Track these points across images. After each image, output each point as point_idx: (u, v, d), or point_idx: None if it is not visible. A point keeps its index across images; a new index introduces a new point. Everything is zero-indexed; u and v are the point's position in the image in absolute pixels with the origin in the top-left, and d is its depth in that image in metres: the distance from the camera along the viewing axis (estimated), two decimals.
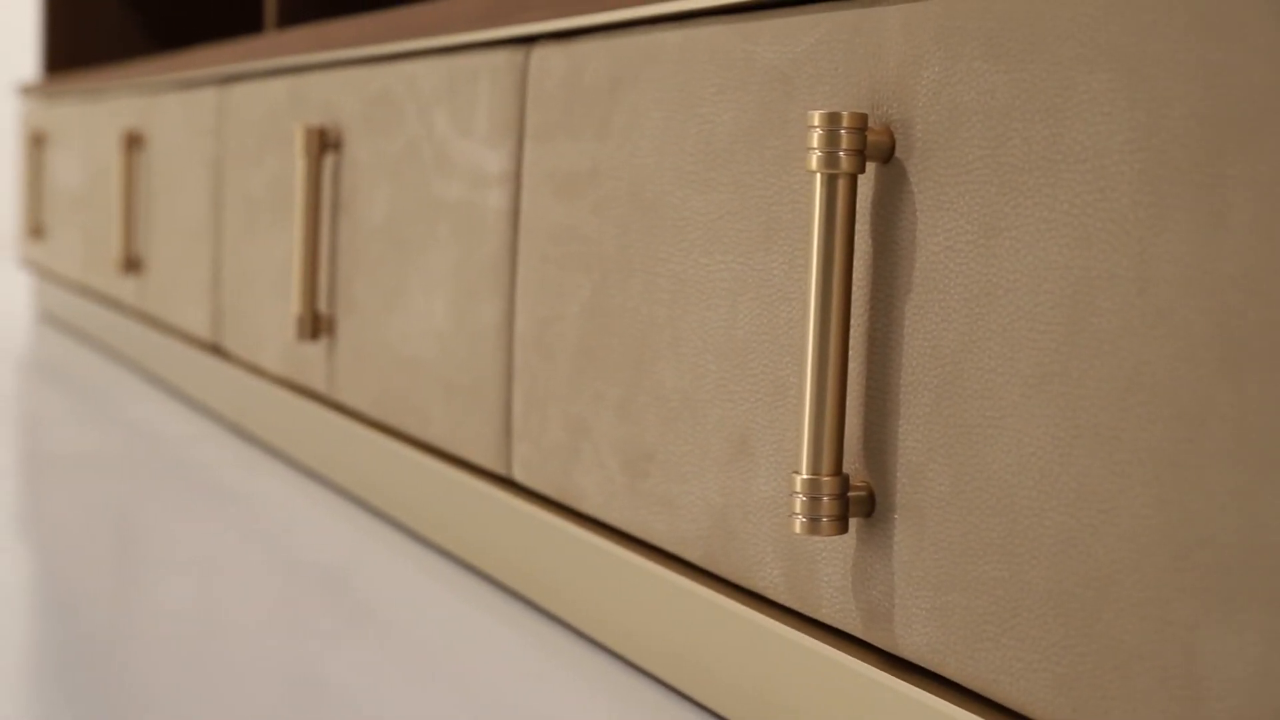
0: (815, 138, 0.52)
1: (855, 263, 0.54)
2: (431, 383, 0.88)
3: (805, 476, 0.53)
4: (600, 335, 0.70)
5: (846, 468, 0.54)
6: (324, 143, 1.02)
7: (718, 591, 0.63)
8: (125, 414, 1.35)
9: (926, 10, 0.51)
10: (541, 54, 0.76)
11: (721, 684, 0.62)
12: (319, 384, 1.05)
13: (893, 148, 0.52)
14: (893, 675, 0.52)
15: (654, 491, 0.66)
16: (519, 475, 0.78)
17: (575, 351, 0.72)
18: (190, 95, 1.37)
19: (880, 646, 0.53)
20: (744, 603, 0.61)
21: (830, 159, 0.52)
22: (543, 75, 0.76)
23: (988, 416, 0.48)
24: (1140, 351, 0.42)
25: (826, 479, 0.52)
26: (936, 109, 0.50)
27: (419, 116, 0.90)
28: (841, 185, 0.52)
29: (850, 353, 0.54)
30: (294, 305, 1.04)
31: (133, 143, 1.53)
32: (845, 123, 0.52)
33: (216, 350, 1.32)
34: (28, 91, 2.13)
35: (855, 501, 0.53)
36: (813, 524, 0.53)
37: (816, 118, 0.52)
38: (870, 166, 0.53)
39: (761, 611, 0.60)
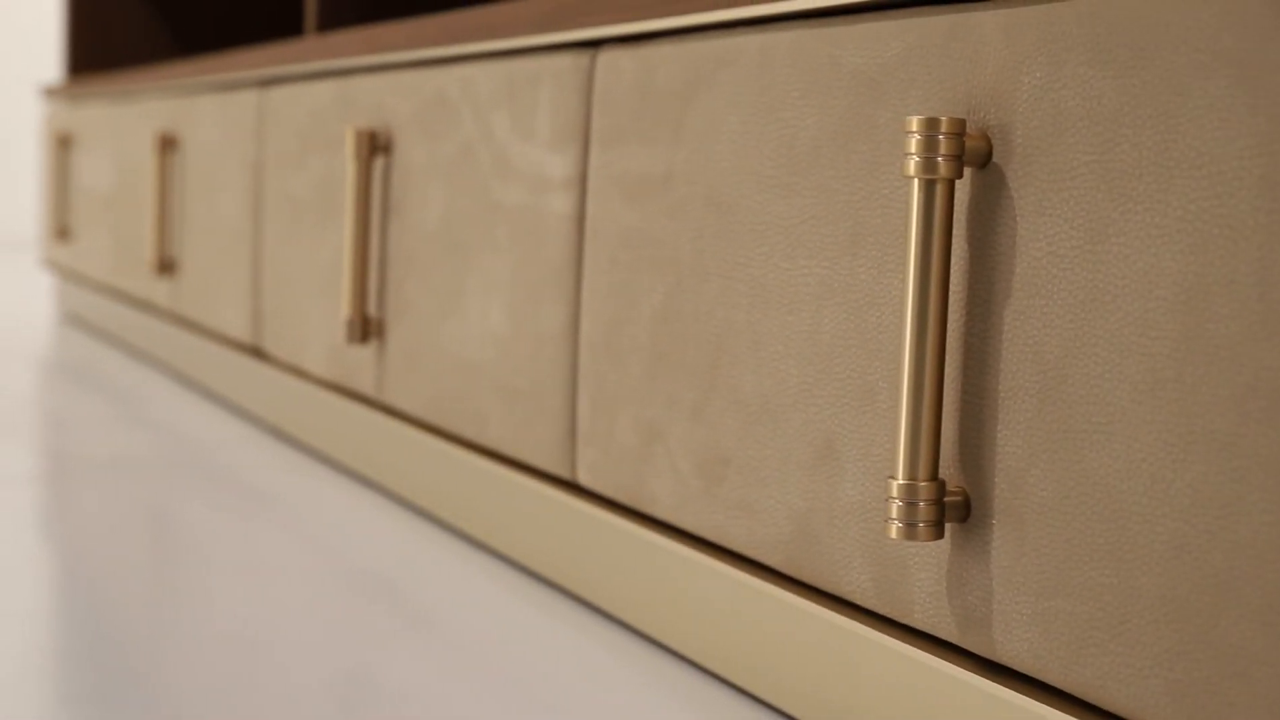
0: (913, 143, 0.52)
1: (951, 267, 0.54)
2: (489, 386, 0.88)
3: (901, 482, 0.53)
4: (674, 339, 0.70)
5: (942, 473, 0.54)
6: (374, 145, 1.02)
7: (799, 595, 0.63)
8: (160, 416, 1.35)
9: (1028, 16, 0.51)
10: (609, 58, 0.76)
11: (800, 687, 0.62)
12: (367, 387, 1.05)
13: (989, 153, 0.52)
14: (991, 680, 0.52)
15: (731, 496, 0.66)
16: (584, 479, 0.78)
17: (647, 355, 0.72)
18: (228, 97, 1.37)
19: (976, 652, 0.53)
20: (828, 606, 0.61)
21: (928, 164, 0.52)
22: (611, 79, 0.76)
23: (1094, 422, 0.48)
24: (1260, 357, 0.42)
25: (923, 484, 0.52)
26: (1038, 114, 0.50)
27: (475, 120, 0.90)
28: (939, 190, 0.52)
29: (946, 357, 0.54)
30: (344, 308, 1.04)
31: (167, 145, 1.53)
32: (944, 128, 0.52)
33: (256, 353, 1.32)
34: (51, 93, 2.13)
35: (951, 507, 0.53)
36: (909, 529, 0.53)
37: (914, 123, 0.52)
38: (966, 172, 0.53)
39: (847, 615, 0.60)
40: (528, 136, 0.84)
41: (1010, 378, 0.51)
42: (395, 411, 1.05)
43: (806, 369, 0.61)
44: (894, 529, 0.53)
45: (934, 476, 0.53)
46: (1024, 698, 0.51)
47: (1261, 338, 0.42)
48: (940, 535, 0.53)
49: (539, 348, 0.82)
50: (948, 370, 0.54)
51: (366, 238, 1.02)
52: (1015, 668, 0.52)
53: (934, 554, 0.55)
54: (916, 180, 0.52)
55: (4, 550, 0.88)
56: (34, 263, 3.09)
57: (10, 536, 0.91)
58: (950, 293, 0.54)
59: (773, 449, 0.64)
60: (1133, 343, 0.47)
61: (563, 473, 0.81)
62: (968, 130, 0.53)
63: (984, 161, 0.52)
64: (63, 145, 2.03)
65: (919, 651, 0.56)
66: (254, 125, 1.30)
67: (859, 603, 0.59)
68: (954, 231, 0.54)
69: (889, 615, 0.58)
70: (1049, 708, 0.50)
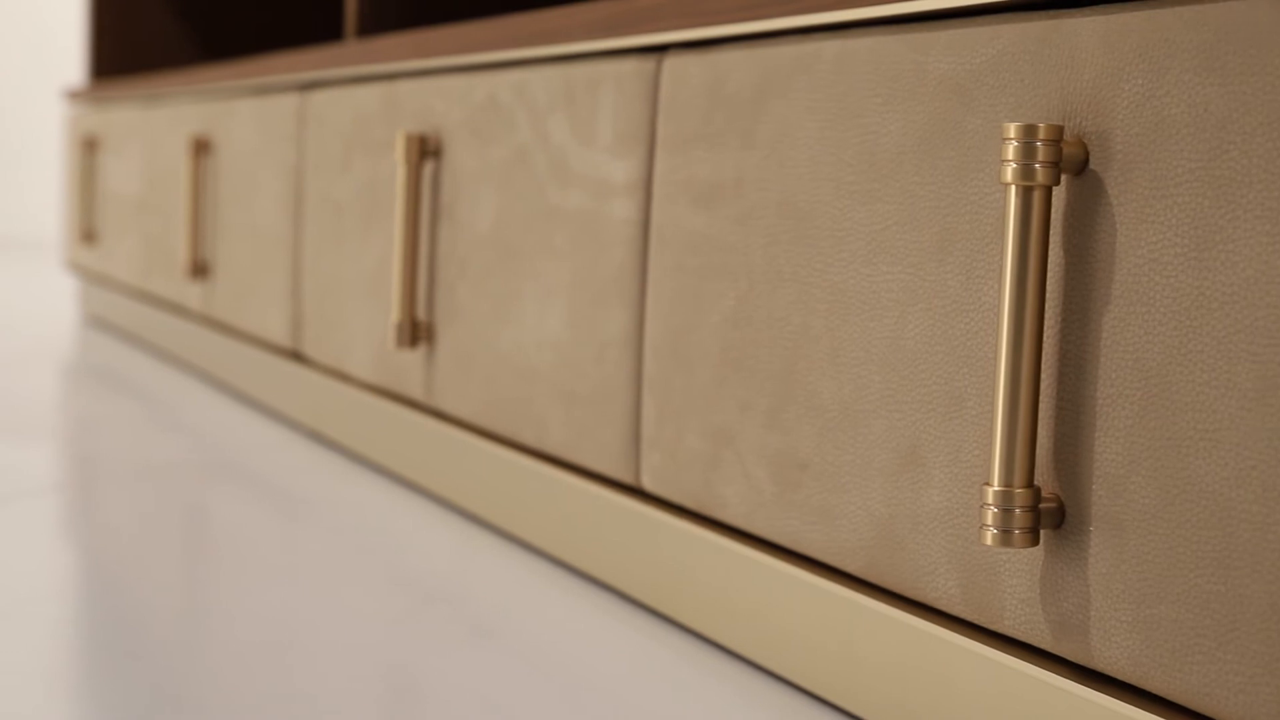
0: (1010, 149, 0.52)
1: (1047, 274, 0.54)
2: (547, 391, 0.88)
3: (997, 488, 0.53)
4: (746, 345, 0.70)
5: (1036, 479, 0.54)
6: (424, 149, 1.02)
7: (880, 600, 0.63)
8: (193, 419, 1.35)
9: (1128, 23, 0.51)
10: (676, 63, 0.76)
11: (880, 692, 0.62)
12: (416, 391, 1.05)
13: (1086, 160, 0.52)
14: (1088, 687, 0.52)
15: (808, 501, 0.66)
16: (648, 484, 0.78)
17: (716, 361, 0.72)
18: (266, 101, 1.37)
19: (1071, 659, 0.53)
20: (911, 612, 0.61)
21: (1026, 171, 0.52)
22: (677, 84, 0.76)
23: (1201, 429, 0.48)
24: None
25: (1019, 491, 0.53)
26: (1139, 122, 0.50)
27: (531, 124, 0.90)
28: (1036, 197, 0.52)
29: (1041, 364, 0.54)
30: (393, 313, 1.04)
31: (201, 148, 1.53)
32: (1042, 135, 0.52)
33: (296, 356, 1.32)
34: (75, 96, 2.13)
35: (1045, 513, 0.53)
36: (1005, 536, 0.53)
37: (1012, 129, 0.52)
38: (1062, 178, 0.53)
39: (932, 621, 0.60)
40: (588, 141, 0.84)
41: (1109, 385, 0.51)
42: (445, 416, 1.05)
43: (889, 375, 0.61)
44: (989, 535, 0.53)
45: (1030, 483, 0.53)
46: (1122, 704, 0.51)
47: None
48: (1036, 542, 0.53)
49: (601, 352, 0.82)
50: (1043, 377, 0.54)
51: (416, 242, 1.02)
52: (1113, 674, 0.52)
53: (1026, 560, 0.55)
54: (1014, 187, 0.52)
55: (39, 558, 0.88)
56: (49, 264, 3.09)
57: (44, 542, 0.91)
58: (1046, 299, 0.54)
59: (853, 455, 0.63)
60: (1242, 350, 0.47)
61: (625, 478, 0.81)
62: (1064, 137, 0.53)
63: (1080, 169, 0.52)
64: (88, 148, 2.03)
65: (1009, 657, 0.56)
66: (294, 129, 1.30)
67: (944, 609, 0.59)
68: (1050, 238, 0.54)
69: (977, 621, 0.57)
70: (1149, 714, 0.50)
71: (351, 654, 0.71)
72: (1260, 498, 0.46)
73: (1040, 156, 0.52)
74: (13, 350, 1.77)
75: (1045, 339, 0.54)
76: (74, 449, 1.20)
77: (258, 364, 1.41)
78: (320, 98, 1.24)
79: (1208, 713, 0.48)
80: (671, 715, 0.65)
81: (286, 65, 1.31)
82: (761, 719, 0.65)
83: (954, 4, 0.58)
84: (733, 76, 0.72)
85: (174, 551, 0.89)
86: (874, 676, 0.63)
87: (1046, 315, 0.54)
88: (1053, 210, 0.53)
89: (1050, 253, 0.54)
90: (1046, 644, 0.54)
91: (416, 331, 1.03)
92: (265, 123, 1.37)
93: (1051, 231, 0.54)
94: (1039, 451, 0.54)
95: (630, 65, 0.80)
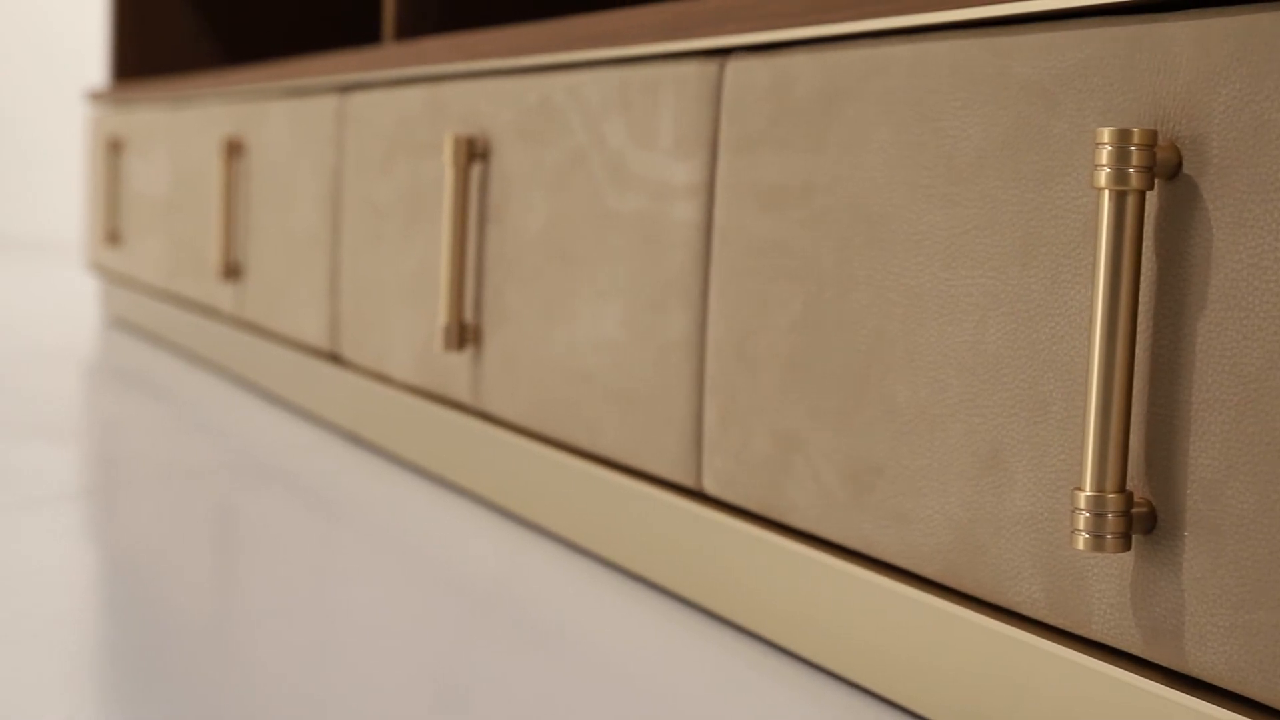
0: (1104, 154, 0.52)
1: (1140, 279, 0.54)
2: (602, 393, 0.88)
3: (1089, 493, 0.53)
4: (815, 349, 0.70)
5: (1128, 484, 0.54)
6: (472, 152, 1.02)
7: (960, 605, 0.63)
8: (227, 422, 1.35)
9: (1224, 27, 0.51)
10: (741, 66, 0.76)
11: (959, 697, 0.62)
12: (462, 394, 1.05)
13: (1179, 165, 0.52)
14: (1183, 692, 0.52)
15: (882, 505, 0.66)
16: (710, 487, 0.78)
17: (785, 364, 0.72)
18: (303, 103, 1.37)
19: (1163, 664, 0.53)
20: (993, 616, 0.61)
21: (1120, 176, 0.52)
22: (742, 87, 0.76)
23: None
24: None
25: (1111, 496, 0.52)
26: (1237, 126, 0.50)
27: (586, 127, 0.90)
28: (1130, 202, 0.52)
29: (1134, 369, 0.54)
30: (441, 315, 1.03)
31: (233, 149, 1.53)
32: (1136, 139, 0.52)
33: (334, 358, 1.32)
34: (97, 97, 2.13)
35: (1137, 518, 0.53)
36: (1097, 540, 0.53)
37: (1105, 134, 0.52)
38: (1155, 183, 0.53)
39: (1015, 625, 0.60)
40: (647, 144, 0.84)
41: (1204, 390, 0.51)
42: (492, 418, 1.05)
43: (969, 379, 0.61)
44: (1080, 540, 0.53)
45: (1122, 488, 0.53)
46: (1219, 709, 0.51)
47: None
48: (1128, 547, 0.53)
49: (662, 355, 0.82)
50: (1135, 381, 0.54)
51: (464, 244, 1.02)
52: (1208, 680, 0.52)
53: (1115, 565, 0.55)
54: (1107, 192, 0.52)
55: (70, 562, 0.88)
56: (61, 265, 3.09)
57: (76, 546, 0.91)
58: (1139, 303, 0.54)
59: (930, 459, 0.63)
60: None
61: (687, 481, 0.81)
62: (1158, 142, 0.53)
63: (1174, 173, 0.52)
64: (112, 149, 2.03)
65: (1098, 662, 0.56)
66: (333, 130, 1.30)
67: (1027, 613, 0.59)
68: (1143, 242, 0.54)
69: (1062, 626, 0.57)
70: (1245, 719, 0.50)
71: (402, 661, 0.71)
72: None
73: (1134, 161, 0.52)
74: (38, 350, 1.77)
75: (1138, 343, 0.54)
76: (104, 451, 1.20)
77: (293, 365, 1.41)
78: (360, 99, 1.24)
79: None
80: (730, 715, 0.65)
81: (324, 67, 1.31)
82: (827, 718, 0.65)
83: (1038, 8, 0.58)
84: (800, 80, 0.72)
85: (209, 554, 0.89)
86: (950, 680, 0.63)
87: (1139, 319, 0.54)
88: (1145, 214, 0.53)
89: (1143, 257, 0.54)
90: (1137, 649, 0.54)
91: (464, 334, 1.03)
92: (302, 124, 1.37)
93: (1144, 236, 0.54)
94: (1130, 456, 0.54)
95: (692, 68, 0.80)
